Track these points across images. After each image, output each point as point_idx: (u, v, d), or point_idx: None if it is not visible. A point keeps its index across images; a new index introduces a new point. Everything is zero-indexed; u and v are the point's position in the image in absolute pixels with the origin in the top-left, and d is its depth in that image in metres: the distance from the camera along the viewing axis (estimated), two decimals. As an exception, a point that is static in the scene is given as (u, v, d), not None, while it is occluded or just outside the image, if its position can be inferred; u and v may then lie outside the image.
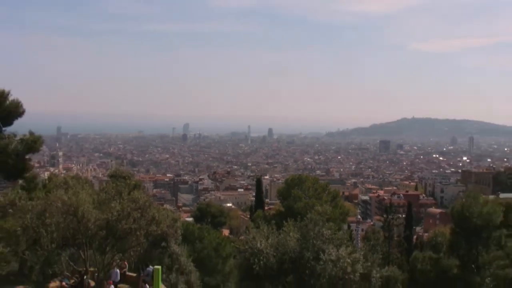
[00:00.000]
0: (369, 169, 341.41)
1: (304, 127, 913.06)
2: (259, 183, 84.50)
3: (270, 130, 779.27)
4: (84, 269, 26.61)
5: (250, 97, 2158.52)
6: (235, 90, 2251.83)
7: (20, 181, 35.23)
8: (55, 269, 28.01)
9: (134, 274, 30.02)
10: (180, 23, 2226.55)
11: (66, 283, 26.65)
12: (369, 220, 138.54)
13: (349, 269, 28.21)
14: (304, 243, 28.61)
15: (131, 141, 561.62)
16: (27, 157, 32.28)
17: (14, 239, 25.44)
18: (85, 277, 26.33)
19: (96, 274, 26.72)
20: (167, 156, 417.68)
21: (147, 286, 26.32)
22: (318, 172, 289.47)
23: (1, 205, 28.59)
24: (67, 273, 27.81)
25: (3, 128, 31.17)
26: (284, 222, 31.03)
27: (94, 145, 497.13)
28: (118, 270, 27.58)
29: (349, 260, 28.38)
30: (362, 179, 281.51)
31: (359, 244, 67.77)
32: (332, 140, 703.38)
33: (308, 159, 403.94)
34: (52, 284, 28.14)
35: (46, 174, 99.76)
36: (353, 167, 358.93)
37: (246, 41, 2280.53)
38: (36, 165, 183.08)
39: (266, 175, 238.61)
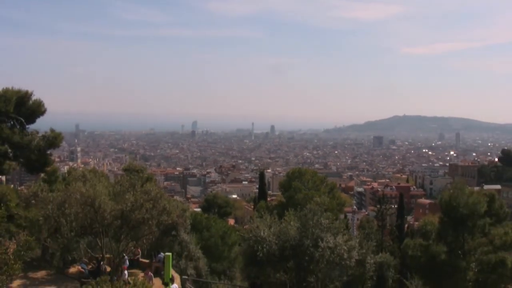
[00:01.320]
0: (364, 163, 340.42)
1: (304, 124, 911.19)
2: (262, 176, 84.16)
3: (272, 127, 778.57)
4: (101, 255, 26.69)
5: (253, 97, 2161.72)
6: (240, 91, 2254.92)
7: (42, 175, 35.39)
8: (74, 256, 28.08)
9: (147, 260, 30.17)
10: (190, 29, 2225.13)
11: (84, 268, 26.79)
12: (363, 210, 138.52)
13: (345, 255, 28.14)
14: (303, 232, 28.51)
15: (143, 138, 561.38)
16: (48, 152, 32.44)
17: (37, 228, 25.48)
18: (101, 263, 26.43)
19: (112, 260, 26.79)
20: (177, 151, 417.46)
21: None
22: (316, 165, 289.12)
23: (25, 196, 28.69)
24: (85, 259, 27.94)
25: (27, 126, 31.26)
26: (285, 212, 30.89)
27: (109, 141, 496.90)
28: (126, 257, 27.64)
29: (345, 247, 28.30)
30: (357, 172, 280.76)
31: (355, 232, 67.71)
32: (330, 136, 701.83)
33: (307, 154, 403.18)
34: (72, 269, 28.27)
35: (65, 168, 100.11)
36: (349, 161, 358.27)
37: (249, 45, 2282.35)
38: (57, 159, 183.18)
39: (268, 169, 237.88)
